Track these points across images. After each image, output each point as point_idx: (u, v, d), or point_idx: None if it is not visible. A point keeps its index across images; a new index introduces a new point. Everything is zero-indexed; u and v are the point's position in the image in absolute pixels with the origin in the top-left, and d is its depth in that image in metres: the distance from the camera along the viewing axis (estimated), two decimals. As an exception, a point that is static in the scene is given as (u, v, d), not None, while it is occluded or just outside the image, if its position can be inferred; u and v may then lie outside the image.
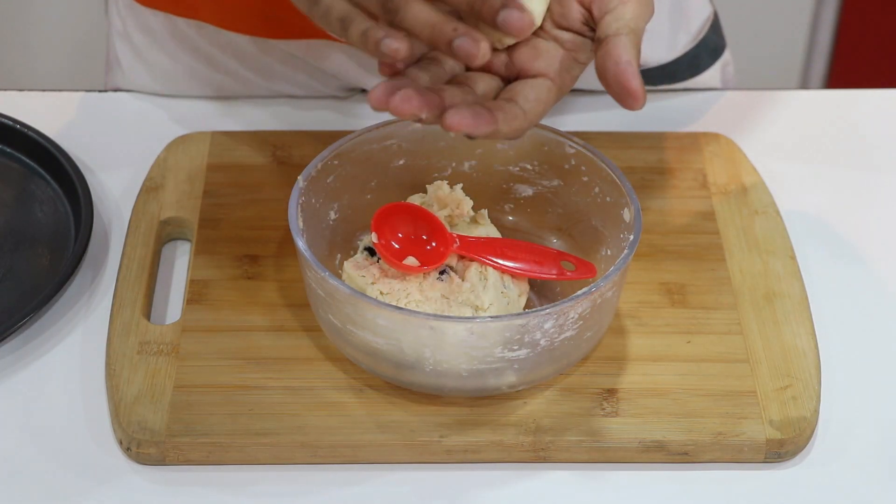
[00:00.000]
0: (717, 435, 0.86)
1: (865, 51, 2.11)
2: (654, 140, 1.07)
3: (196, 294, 0.94)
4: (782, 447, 0.86)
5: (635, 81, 0.76)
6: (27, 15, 2.05)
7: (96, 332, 0.93)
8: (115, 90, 1.14)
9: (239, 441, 0.85)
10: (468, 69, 0.81)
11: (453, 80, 0.80)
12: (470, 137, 0.74)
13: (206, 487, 0.85)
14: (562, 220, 0.95)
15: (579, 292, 0.84)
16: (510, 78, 0.81)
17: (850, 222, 1.03)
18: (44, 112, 1.09)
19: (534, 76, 0.79)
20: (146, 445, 0.85)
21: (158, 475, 0.86)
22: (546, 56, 0.80)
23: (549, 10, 0.81)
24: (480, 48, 0.72)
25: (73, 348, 0.93)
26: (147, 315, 0.94)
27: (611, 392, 0.89)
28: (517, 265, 0.89)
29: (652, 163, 1.05)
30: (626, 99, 0.77)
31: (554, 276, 0.90)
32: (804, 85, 2.16)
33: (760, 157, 1.07)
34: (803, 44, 2.14)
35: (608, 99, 1.12)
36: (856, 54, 2.11)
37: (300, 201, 0.89)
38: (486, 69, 0.80)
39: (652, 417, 0.87)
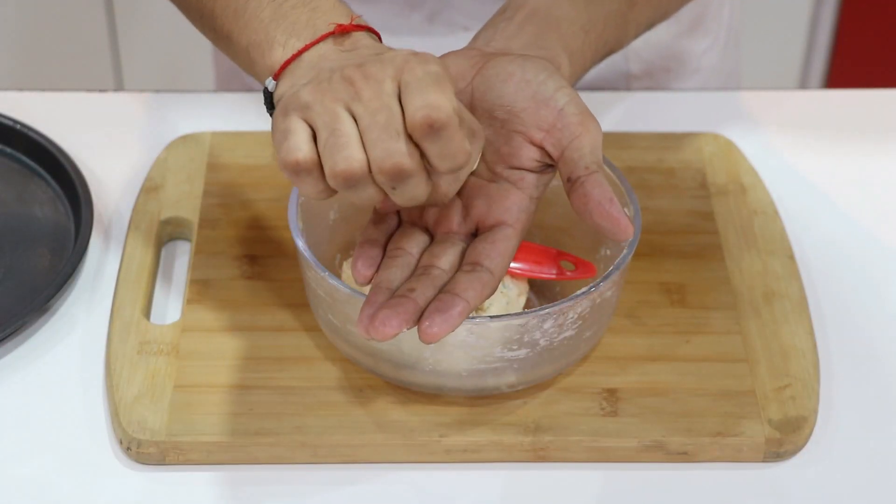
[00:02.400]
0: (716, 434, 0.86)
1: (864, 51, 2.11)
2: (653, 140, 1.07)
3: (196, 294, 0.95)
4: (781, 446, 0.86)
5: (622, 216, 0.78)
6: (27, 15, 2.05)
7: (96, 332, 0.93)
8: (116, 90, 1.14)
9: (239, 441, 0.86)
10: (432, 238, 0.82)
11: (420, 264, 0.81)
12: None
13: (206, 487, 0.85)
14: (562, 219, 0.95)
15: (579, 292, 0.84)
16: (471, 232, 0.82)
17: (848, 222, 1.03)
18: (44, 112, 1.09)
19: (493, 226, 0.81)
20: (146, 445, 0.85)
21: (158, 475, 0.86)
22: (501, 202, 0.81)
23: (498, 150, 0.81)
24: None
25: (73, 348, 0.93)
26: (147, 315, 0.94)
27: (610, 392, 0.89)
28: (516, 265, 0.89)
29: (651, 163, 1.05)
30: (616, 233, 0.79)
31: (553, 276, 0.90)
32: (803, 85, 2.17)
33: (759, 157, 1.07)
34: (802, 44, 2.14)
35: (607, 99, 1.13)
36: (855, 54, 2.11)
37: (300, 201, 0.89)
38: (446, 230, 0.81)
39: (651, 417, 0.87)
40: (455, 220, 0.82)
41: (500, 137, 0.82)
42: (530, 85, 0.81)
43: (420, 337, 0.76)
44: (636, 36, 0.94)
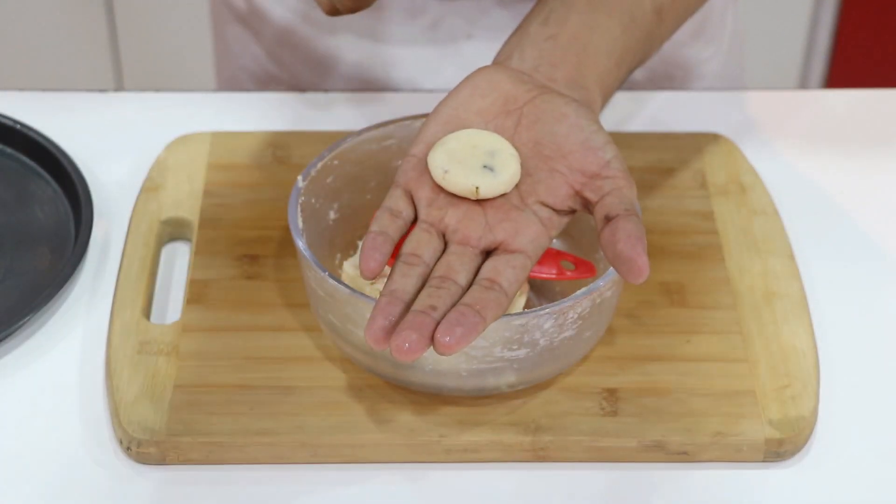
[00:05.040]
0: (716, 435, 0.86)
1: (864, 51, 2.11)
2: (653, 140, 1.07)
3: (196, 294, 0.95)
4: (781, 447, 0.86)
5: (642, 257, 0.79)
6: (27, 15, 2.05)
7: (96, 332, 0.93)
8: (116, 90, 1.14)
9: (239, 441, 0.86)
10: (445, 245, 0.82)
11: (436, 273, 0.80)
12: None
13: (206, 487, 0.85)
14: (561, 220, 0.95)
15: (579, 292, 0.84)
16: (487, 250, 0.81)
17: (848, 222, 1.03)
18: (44, 112, 1.09)
19: (513, 252, 0.80)
20: (146, 445, 0.85)
21: (158, 475, 0.86)
22: (525, 232, 0.81)
23: (535, 185, 0.82)
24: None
25: (73, 348, 0.93)
26: (147, 315, 0.94)
27: (610, 392, 0.89)
28: (517, 265, 0.89)
29: (651, 163, 1.05)
30: (632, 275, 0.79)
31: (553, 276, 0.90)
32: (803, 85, 2.17)
33: (759, 157, 1.07)
34: (802, 44, 2.14)
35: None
36: (855, 54, 2.11)
37: (300, 201, 0.89)
38: (463, 242, 0.81)
39: (651, 417, 0.87)
40: (476, 234, 0.81)
41: (541, 171, 0.82)
42: (583, 131, 0.82)
43: (436, 349, 0.75)
44: (657, 51, 0.95)
